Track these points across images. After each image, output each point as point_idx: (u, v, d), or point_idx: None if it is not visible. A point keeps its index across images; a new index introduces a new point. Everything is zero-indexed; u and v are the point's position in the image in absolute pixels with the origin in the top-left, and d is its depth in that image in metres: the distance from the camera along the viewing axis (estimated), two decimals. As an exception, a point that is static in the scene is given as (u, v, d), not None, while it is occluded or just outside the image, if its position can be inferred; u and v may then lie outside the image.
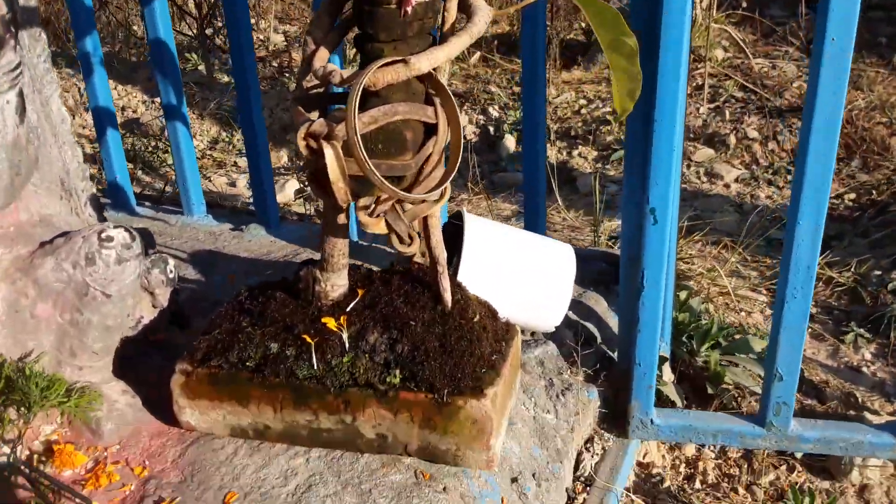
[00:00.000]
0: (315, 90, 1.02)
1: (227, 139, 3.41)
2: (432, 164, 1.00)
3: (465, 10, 0.98)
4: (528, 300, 1.35)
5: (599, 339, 1.59)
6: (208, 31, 3.79)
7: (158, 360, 1.33)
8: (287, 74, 3.85)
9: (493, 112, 3.42)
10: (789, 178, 2.92)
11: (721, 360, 1.71)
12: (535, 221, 1.67)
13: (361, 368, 1.09)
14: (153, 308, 1.28)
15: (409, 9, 0.92)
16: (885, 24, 3.93)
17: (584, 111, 3.43)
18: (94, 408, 1.13)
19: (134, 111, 3.58)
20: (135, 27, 4.29)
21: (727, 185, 2.88)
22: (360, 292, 1.15)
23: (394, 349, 1.09)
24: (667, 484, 1.53)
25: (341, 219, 1.08)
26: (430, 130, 1.01)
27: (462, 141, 0.99)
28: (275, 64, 4.00)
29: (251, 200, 2.88)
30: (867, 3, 4.18)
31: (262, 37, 4.42)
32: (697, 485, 1.55)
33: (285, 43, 4.32)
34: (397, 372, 1.08)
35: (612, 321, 1.64)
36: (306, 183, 3.16)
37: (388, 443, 1.13)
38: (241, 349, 1.12)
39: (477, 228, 1.29)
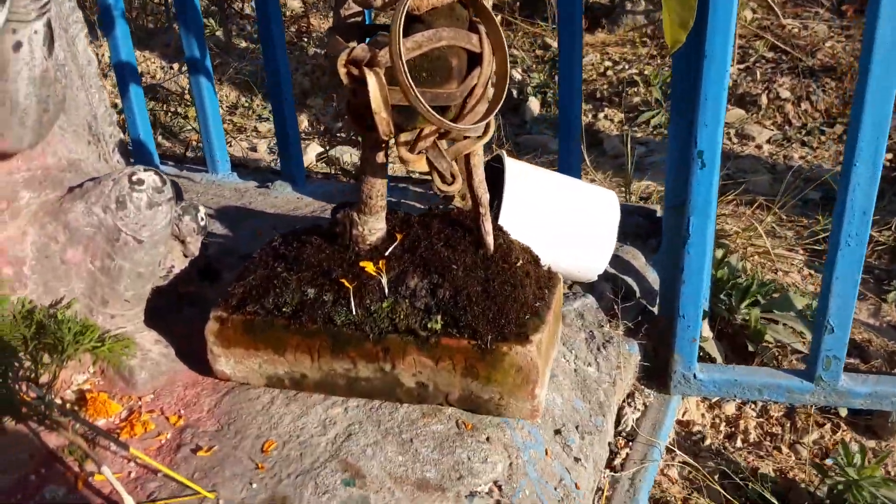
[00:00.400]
0: (353, 19, 0.97)
1: (246, 104, 3.37)
2: (476, 97, 0.95)
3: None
4: (572, 245, 1.30)
5: (638, 293, 1.54)
6: (226, -4, 3.73)
7: (189, 312, 1.30)
8: (305, 39, 3.80)
9: (517, 75, 3.35)
10: (823, 138, 2.84)
11: (761, 318, 1.66)
12: (568, 163, 1.62)
13: (401, 314, 1.05)
14: (184, 257, 1.24)
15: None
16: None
17: (609, 73, 3.35)
18: (128, 354, 1.10)
19: (153, 76, 3.54)
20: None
21: (759, 146, 2.81)
22: (399, 236, 1.11)
23: (435, 294, 1.05)
24: (708, 442, 1.49)
25: (380, 157, 1.03)
26: (474, 61, 0.96)
27: (508, 71, 0.94)
28: (292, 29, 3.94)
29: (273, 164, 2.85)
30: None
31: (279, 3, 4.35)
32: (739, 443, 1.51)
33: (302, 9, 4.25)
34: (438, 318, 1.04)
35: (651, 275, 1.59)
36: (328, 146, 3.12)
37: (429, 392, 1.09)
38: (276, 295, 1.09)
39: (518, 171, 1.24)
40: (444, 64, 0.91)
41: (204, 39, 1.80)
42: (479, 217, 1.07)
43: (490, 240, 1.08)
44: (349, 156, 2.88)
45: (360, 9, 0.98)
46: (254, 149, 3.10)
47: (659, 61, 3.39)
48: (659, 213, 1.74)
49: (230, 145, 3.10)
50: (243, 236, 1.65)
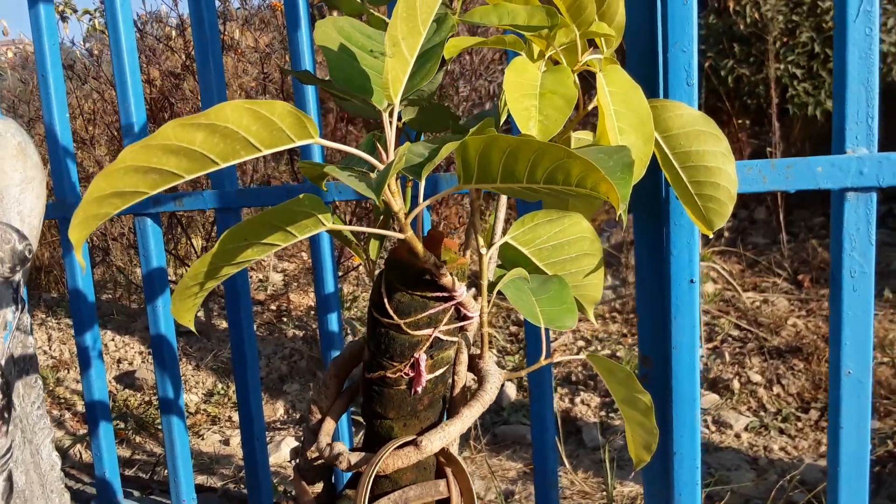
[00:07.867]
0: (320, 461, 0.97)
1: (222, 391, 3.35)
2: (446, 542, 0.93)
3: (476, 373, 0.96)
4: None
5: None
6: (209, 280, 3.86)
7: None
8: (285, 320, 3.88)
9: (493, 356, 3.40)
10: (800, 424, 2.85)
11: None
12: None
13: None
14: None
15: (419, 388, 0.90)
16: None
17: (582, 354, 3.42)
18: None
19: (130, 363, 3.55)
20: (138, 270, 4.38)
21: (738, 436, 2.80)
22: None
23: None
24: None
25: None
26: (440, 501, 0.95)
27: (477, 516, 0.92)
28: (273, 308, 4.04)
29: (243, 463, 2.76)
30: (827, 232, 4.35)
31: (261, 276, 4.52)
32: None
33: (283, 282, 4.40)
34: None
35: None
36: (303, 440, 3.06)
37: None
38: None
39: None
40: (411, 529, 0.89)
41: (179, 381, 1.82)
42: None
43: None
44: (324, 453, 2.80)
45: (327, 444, 0.98)
46: (226, 442, 3.03)
47: (630, 340, 3.48)
48: (643, 560, 1.67)
49: (202, 438, 3.03)
50: None
